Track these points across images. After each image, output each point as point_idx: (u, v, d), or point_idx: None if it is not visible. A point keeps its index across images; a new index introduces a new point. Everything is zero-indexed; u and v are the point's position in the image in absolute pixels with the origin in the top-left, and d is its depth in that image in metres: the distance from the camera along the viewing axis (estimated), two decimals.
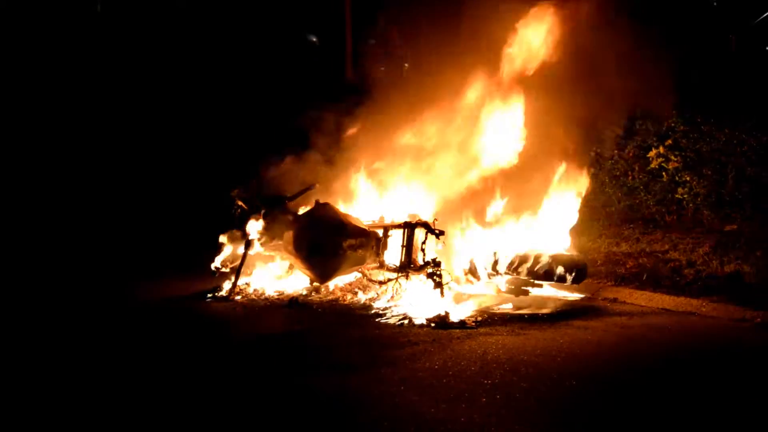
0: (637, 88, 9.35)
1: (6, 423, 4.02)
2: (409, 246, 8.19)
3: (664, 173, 10.93)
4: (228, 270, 8.71)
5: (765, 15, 11.24)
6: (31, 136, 13.48)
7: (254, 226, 8.49)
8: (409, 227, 8.23)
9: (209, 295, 8.13)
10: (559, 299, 8.39)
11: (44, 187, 12.92)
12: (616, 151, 11.62)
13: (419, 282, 8.13)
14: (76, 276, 9.54)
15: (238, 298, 8.12)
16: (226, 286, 8.30)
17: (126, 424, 4.01)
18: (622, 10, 9.15)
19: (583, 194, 9.16)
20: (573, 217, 9.06)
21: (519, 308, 7.66)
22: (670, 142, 10.89)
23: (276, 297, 8.23)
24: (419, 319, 6.83)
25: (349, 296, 8.23)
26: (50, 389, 4.65)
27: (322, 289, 8.39)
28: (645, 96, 9.71)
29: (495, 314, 7.30)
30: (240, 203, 8.63)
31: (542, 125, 9.64)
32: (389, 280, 8.16)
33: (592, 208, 11.05)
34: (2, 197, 12.18)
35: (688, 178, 10.64)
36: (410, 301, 7.74)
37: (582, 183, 9.16)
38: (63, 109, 13.98)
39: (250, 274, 8.72)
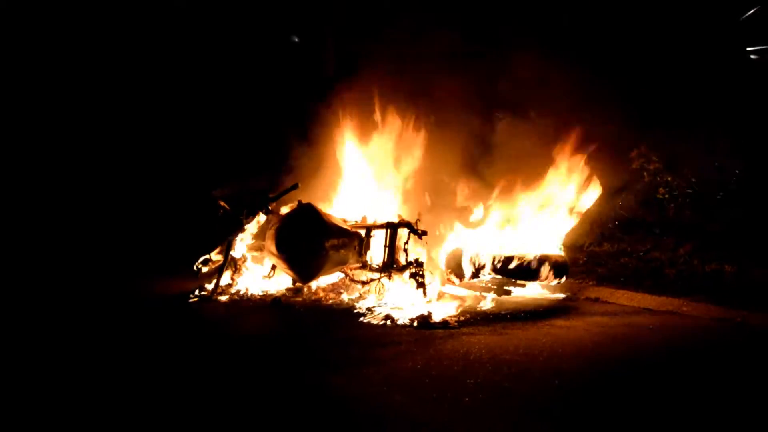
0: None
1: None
2: (391, 246, 8.20)
3: (645, 173, 10.98)
4: (211, 271, 8.66)
5: (750, 12, 11.28)
6: (19, 137, 13.32)
7: (236, 227, 8.46)
8: (392, 227, 8.24)
9: (192, 296, 8.08)
10: (542, 299, 8.42)
11: (34, 186, 12.77)
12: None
13: (402, 282, 8.13)
14: (51, 274, 9.42)
15: (221, 298, 8.08)
16: (209, 286, 8.26)
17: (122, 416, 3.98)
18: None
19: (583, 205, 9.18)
20: (562, 220, 9.09)
21: (501, 308, 7.68)
22: (650, 142, 10.95)
23: (259, 297, 8.20)
24: (402, 319, 6.83)
25: (332, 296, 8.22)
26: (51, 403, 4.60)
27: (305, 290, 8.38)
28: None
29: (477, 314, 7.31)
30: (222, 204, 8.58)
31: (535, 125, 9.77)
32: (372, 280, 8.16)
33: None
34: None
35: (669, 179, 10.71)
36: (393, 301, 7.75)
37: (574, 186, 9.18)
38: (51, 110, 13.83)
39: (234, 274, 8.68)
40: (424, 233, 8.22)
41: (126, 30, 14.84)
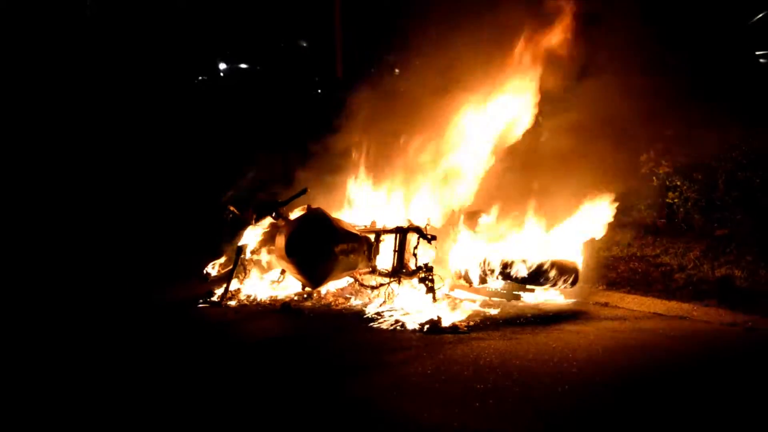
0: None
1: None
2: (401, 251, 8.20)
3: (654, 177, 10.94)
4: (220, 275, 8.68)
5: (759, 16, 11.21)
6: (23, 139, 13.40)
7: (246, 232, 8.48)
8: (401, 232, 8.24)
9: (201, 301, 8.10)
10: (551, 304, 8.39)
11: (37, 191, 12.83)
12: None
13: (411, 287, 8.14)
14: (59, 281, 9.42)
15: (230, 303, 8.09)
16: (219, 291, 8.28)
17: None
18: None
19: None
20: (579, 229, 9.04)
21: (511, 313, 7.66)
22: (660, 145, 10.90)
23: (268, 302, 8.22)
24: (411, 324, 6.84)
25: (341, 301, 8.23)
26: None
27: (315, 295, 8.39)
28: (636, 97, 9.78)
29: (487, 319, 7.31)
30: (232, 208, 8.60)
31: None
32: (381, 285, 8.16)
33: None
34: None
35: (678, 183, 10.66)
36: (402, 306, 7.74)
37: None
38: (55, 112, 13.91)
39: (243, 279, 8.69)
40: (434, 238, 8.22)
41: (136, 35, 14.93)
